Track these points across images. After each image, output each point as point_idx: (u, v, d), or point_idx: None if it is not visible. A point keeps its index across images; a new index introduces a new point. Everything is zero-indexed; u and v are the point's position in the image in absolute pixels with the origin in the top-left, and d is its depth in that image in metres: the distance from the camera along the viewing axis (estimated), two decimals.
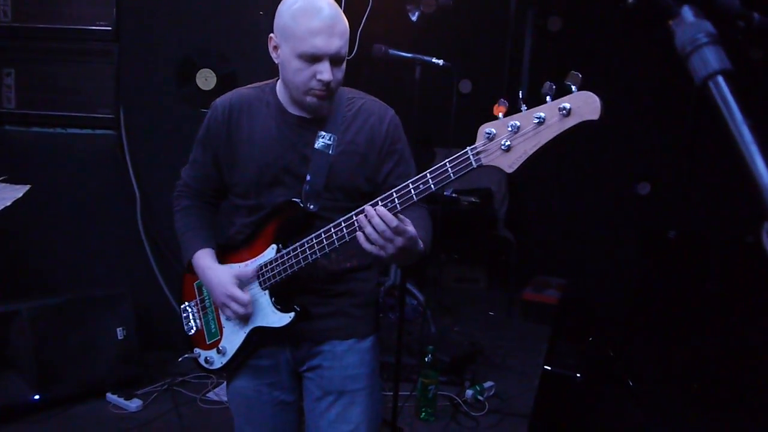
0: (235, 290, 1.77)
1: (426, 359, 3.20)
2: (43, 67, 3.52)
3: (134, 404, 3.14)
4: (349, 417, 1.84)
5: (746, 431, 3.91)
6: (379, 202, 1.52)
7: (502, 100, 1.42)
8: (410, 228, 1.54)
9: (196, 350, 1.98)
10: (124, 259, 3.63)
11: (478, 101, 5.35)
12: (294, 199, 1.74)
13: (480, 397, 3.36)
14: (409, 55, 2.86)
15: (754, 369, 4.43)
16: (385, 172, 1.79)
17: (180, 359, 3.18)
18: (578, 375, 3.72)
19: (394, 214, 1.52)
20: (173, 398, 3.26)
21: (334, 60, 1.64)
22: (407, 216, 1.66)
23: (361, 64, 3.66)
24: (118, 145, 3.53)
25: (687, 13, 0.60)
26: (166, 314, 3.62)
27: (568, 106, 1.33)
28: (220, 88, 3.47)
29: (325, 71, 1.63)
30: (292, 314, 1.75)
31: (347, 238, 1.60)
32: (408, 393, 3.31)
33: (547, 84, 1.34)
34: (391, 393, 2.86)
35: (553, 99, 1.35)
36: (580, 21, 5.26)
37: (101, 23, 3.45)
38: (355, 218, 1.57)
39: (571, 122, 1.34)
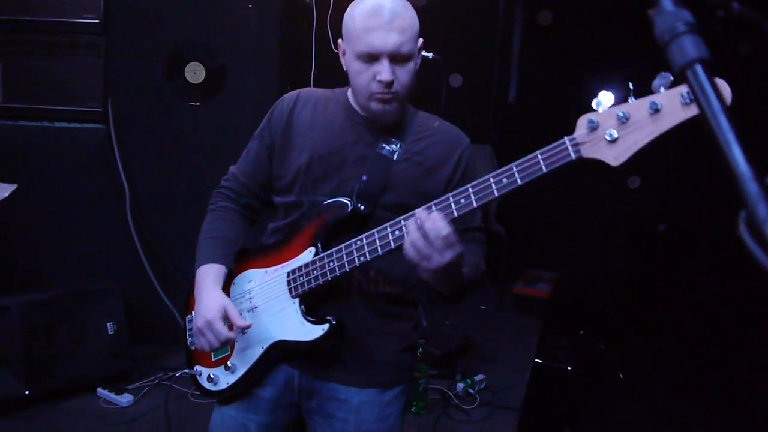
0: (217, 321, 1.60)
1: (417, 353, 3.20)
2: (31, 60, 3.48)
3: (125, 399, 3.12)
4: None
5: (735, 423, 3.94)
6: (433, 207, 1.38)
7: (603, 92, 1.30)
8: (459, 248, 1.38)
9: (197, 368, 1.79)
10: (114, 254, 3.61)
11: (468, 95, 5.37)
12: (343, 199, 1.59)
13: (471, 391, 3.36)
14: None
15: (742, 361, 4.46)
16: None
17: (178, 374, 3.17)
18: (569, 368, 3.74)
19: (466, 216, 1.39)
20: (165, 393, 3.25)
21: (395, 58, 1.55)
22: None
23: None
24: (106, 138, 3.51)
25: (666, 2, 0.60)
26: (156, 308, 3.62)
27: (688, 91, 1.16)
28: (209, 82, 3.46)
29: (383, 71, 1.54)
30: (326, 326, 1.55)
31: (393, 246, 1.45)
32: None
33: (663, 74, 1.21)
34: None
35: (667, 89, 1.22)
36: (570, 15, 5.26)
37: (89, 16, 3.42)
38: (403, 222, 1.43)
39: (692, 111, 1.19)
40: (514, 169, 1.32)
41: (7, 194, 2.54)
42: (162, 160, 3.53)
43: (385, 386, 1.69)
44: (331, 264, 1.53)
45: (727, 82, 1.03)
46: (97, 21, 3.43)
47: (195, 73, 3.48)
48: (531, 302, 4.63)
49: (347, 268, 1.51)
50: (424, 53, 2.90)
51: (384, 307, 1.66)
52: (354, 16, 1.58)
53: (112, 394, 3.13)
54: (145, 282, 3.60)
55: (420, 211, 1.37)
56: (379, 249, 1.46)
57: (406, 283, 1.68)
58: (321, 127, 1.68)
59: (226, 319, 1.62)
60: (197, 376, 1.78)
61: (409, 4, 1.61)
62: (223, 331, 1.60)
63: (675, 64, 0.59)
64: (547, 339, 4.17)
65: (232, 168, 1.86)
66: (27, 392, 3.00)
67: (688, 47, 0.58)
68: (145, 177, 3.56)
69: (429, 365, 3.26)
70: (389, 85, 1.56)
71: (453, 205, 1.37)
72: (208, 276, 1.69)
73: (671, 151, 4.91)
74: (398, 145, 1.64)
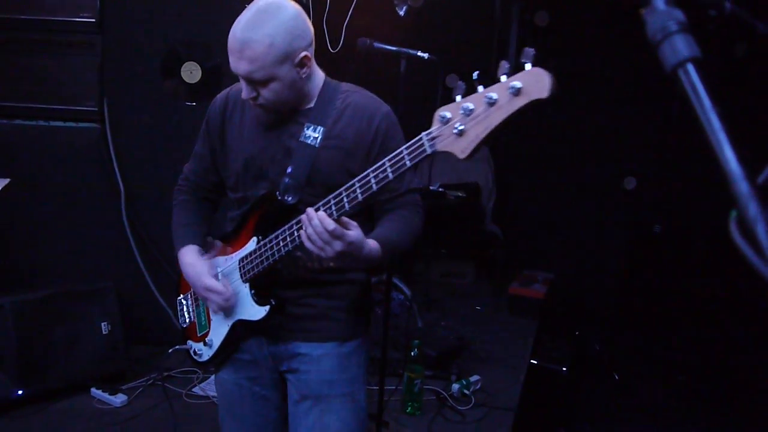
0: (211, 282, 1.79)
1: (412, 353, 3.21)
2: (26, 59, 3.47)
3: (119, 399, 3.12)
4: (326, 424, 1.81)
5: (732, 423, 3.95)
6: (343, 192, 1.51)
7: (459, 83, 1.34)
8: (352, 233, 1.52)
9: (189, 342, 2.00)
10: (109, 253, 3.60)
11: (465, 95, 5.37)
12: (273, 192, 1.74)
13: (466, 391, 3.37)
14: (394, 48, 2.84)
15: (739, 361, 4.47)
16: None
17: (170, 350, 3.18)
18: (564, 369, 3.74)
19: (356, 208, 1.51)
20: (161, 393, 3.24)
21: (251, 81, 1.64)
22: (388, 215, 1.67)
23: (346, 58, 3.65)
24: (102, 137, 3.50)
25: (658, 1, 0.60)
26: (151, 308, 3.61)
27: (518, 84, 1.23)
28: (205, 81, 3.46)
29: (243, 89, 1.67)
30: (267, 307, 1.74)
31: (298, 241, 1.61)
32: (394, 387, 3.31)
33: (503, 63, 1.26)
34: (377, 387, 2.86)
35: (462, 95, 1.31)
36: (567, 16, 5.27)
37: (85, 15, 3.41)
38: (297, 224, 1.58)
39: (520, 102, 1.24)
40: (387, 164, 1.43)
41: (0, 188, 2.53)
42: (157, 159, 3.52)
43: (342, 339, 1.83)
44: (267, 252, 1.69)
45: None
46: (93, 20, 3.42)
47: (191, 72, 3.48)
48: (526, 303, 4.63)
49: (283, 252, 1.66)
50: (419, 53, 2.92)
51: (330, 277, 1.79)
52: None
53: (106, 395, 3.13)
54: (139, 282, 3.60)
55: (308, 211, 1.52)
56: (297, 239, 1.61)
57: None
58: (249, 128, 1.80)
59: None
60: (189, 349, 2.00)
61: (269, 30, 1.60)
62: (221, 287, 1.78)
63: (667, 64, 0.59)
64: (542, 340, 4.17)
65: (185, 167, 2.02)
66: (20, 392, 2.99)
67: (680, 46, 0.58)
68: (141, 176, 3.55)
69: (424, 366, 3.26)
70: (253, 98, 1.67)
71: (358, 189, 1.49)
72: (187, 256, 1.87)
73: (667, 152, 4.92)
74: (318, 130, 1.73)
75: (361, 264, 1.61)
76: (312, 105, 1.77)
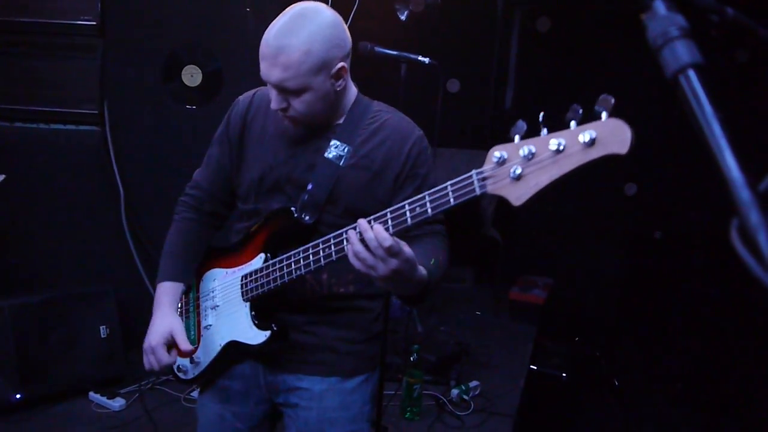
0: (159, 347, 1.67)
1: (411, 358, 3.20)
2: (27, 62, 3.47)
3: (117, 403, 3.11)
4: None
5: (730, 430, 3.94)
6: (372, 221, 1.38)
7: (520, 122, 1.23)
8: (407, 249, 1.37)
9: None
10: (108, 257, 3.59)
11: (466, 101, 5.37)
12: (290, 207, 1.63)
13: (465, 397, 3.35)
14: (395, 52, 2.85)
15: (738, 369, 4.45)
16: (401, 198, 1.55)
17: (193, 395, 3.14)
18: (564, 375, 3.73)
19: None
20: (159, 397, 3.23)
21: (283, 90, 1.53)
22: (416, 248, 1.49)
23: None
24: (102, 141, 3.50)
25: (659, 6, 0.59)
26: (149, 312, 3.56)
27: (593, 134, 1.12)
28: (206, 85, 3.46)
29: (272, 98, 1.56)
30: (268, 333, 1.62)
31: (334, 257, 1.48)
32: (393, 392, 3.30)
33: (574, 107, 1.15)
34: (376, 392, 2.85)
35: (579, 124, 1.15)
36: (568, 22, 5.27)
37: (86, 18, 3.41)
38: (345, 234, 1.44)
39: (594, 154, 1.13)
40: (426, 198, 1.33)
41: None
42: (157, 163, 3.52)
43: (346, 374, 1.72)
44: (275, 273, 1.59)
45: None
46: (94, 23, 3.42)
47: (192, 76, 3.48)
48: (526, 308, 4.62)
49: (294, 275, 1.55)
50: (420, 58, 2.92)
51: (340, 304, 1.69)
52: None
53: (104, 398, 3.12)
54: (138, 285, 3.58)
55: (361, 222, 1.38)
56: (321, 260, 1.49)
57: (360, 281, 1.68)
58: (271, 137, 1.69)
59: (172, 344, 1.70)
60: (171, 365, 1.84)
61: (306, 37, 1.50)
62: (164, 358, 1.67)
63: (668, 69, 0.58)
64: (542, 345, 4.16)
65: (195, 174, 1.89)
66: (19, 396, 2.98)
67: (681, 52, 0.57)
68: (141, 180, 3.55)
69: (423, 371, 3.25)
70: (283, 110, 1.57)
71: (390, 221, 1.38)
72: (166, 296, 1.75)
73: (668, 158, 4.92)
74: (345, 149, 1.63)
75: (413, 288, 1.46)
76: (341, 121, 1.67)
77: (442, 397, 3.36)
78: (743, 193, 0.51)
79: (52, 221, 3.56)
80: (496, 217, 5.26)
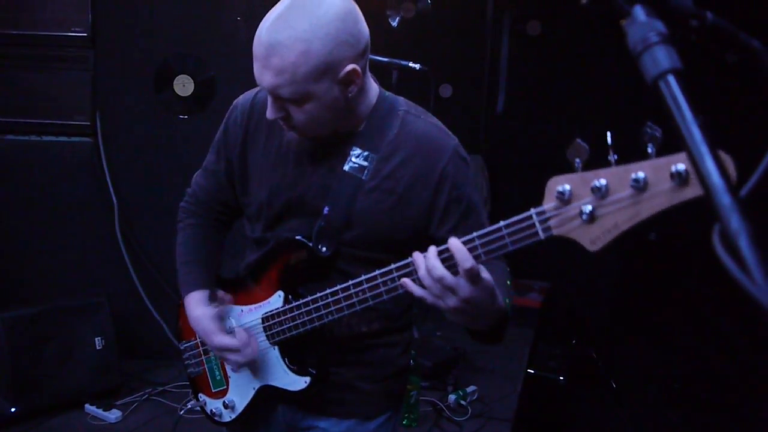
0: (225, 340, 1.48)
1: (407, 371, 3.18)
2: (18, 74, 3.47)
3: (113, 415, 3.09)
4: None
5: (727, 431, 3.94)
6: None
7: (579, 142, 1.03)
8: (486, 275, 1.16)
9: (201, 397, 1.72)
10: (102, 268, 3.58)
11: (458, 106, 5.38)
12: (299, 238, 1.42)
13: (463, 402, 3.35)
14: (386, 59, 2.86)
15: (735, 369, 4.46)
16: (447, 229, 1.38)
17: (189, 405, 3.11)
18: (561, 378, 3.74)
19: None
20: (156, 408, 3.22)
21: (279, 98, 1.30)
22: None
23: None
24: (94, 152, 3.49)
25: (639, 12, 0.60)
26: (145, 323, 3.59)
27: (684, 168, 0.91)
28: (198, 94, 3.46)
29: (269, 106, 1.33)
30: (308, 379, 1.47)
31: (371, 303, 1.29)
32: None
33: (649, 125, 0.96)
34: None
35: (657, 151, 0.95)
36: (559, 26, 5.29)
37: (77, 29, 3.41)
38: (411, 259, 1.22)
39: (689, 194, 0.92)
40: (477, 242, 1.14)
41: None
42: (151, 173, 3.51)
43: (365, 416, 1.57)
44: (304, 316, 1.40)
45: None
46: (86, 35, 3.42)
47: (184, 85, 3.47)
48: (522, 312, 4.61)
49: (326, 320, 1.37)
50: (410, 64, 2.93)
51: (363, 343, 1.53)
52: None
53: (100, 410, 3.10)
54: (133, 296, 3.57)
55: (432, 247, 1.20)
56: (357, 304, 1.31)
57: (391, 315, 1.53)
58: (277, 150, 1.47)
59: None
60: (203, 406, 1.73)
61: (304, 33, 1.23)
62: (233, 341, 1.49)
63: (648, 75, 0.59)
64: (538, 349, 4.16)
65: (193, 181, 1.73)
66: (13, 409, 2.96)
67: (661, 58, 0.58)
68: (134, 190, 3.54)
69: (420, 377, 3.24)
70: (283, 119, 1.34)
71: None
72: (192, 306, 1.58)
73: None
74: (368, 158, 1.38)
75: (489, 320, 1.24)
76: (361, 128, 1.42)
77: (439, 403, 3.35)
78: (724, 198, 0.51)
79: (46, 233, 3.54)
80: (492, 222, 5.26)
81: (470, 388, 3.44)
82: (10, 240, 3.54)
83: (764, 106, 4.24)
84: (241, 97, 1.57)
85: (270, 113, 1.33)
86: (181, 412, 3.11)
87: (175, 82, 3.46)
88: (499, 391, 3.54)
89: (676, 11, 0.63)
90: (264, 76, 1.27)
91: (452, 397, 3.35)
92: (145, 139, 3.52)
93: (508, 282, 1.36)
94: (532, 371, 3.79)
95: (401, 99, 1.49)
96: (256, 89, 1.54)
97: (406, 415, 3.17)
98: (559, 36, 5.28)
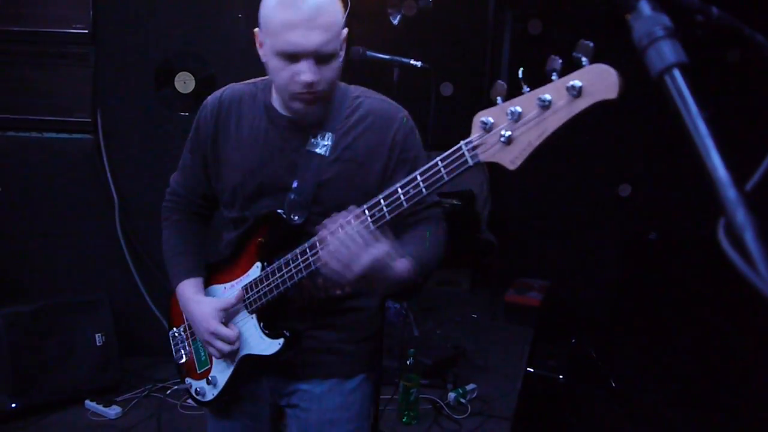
0: (218, 326, 1.61)
1: (408, 362, 3.19)
2: (19, 71, 3.47)
3: (113, 411, 3.10)
4: None
5: (728, 430, 3.94)
6: (366, 210, 1.36)
7: (499, 82, 1.18)
8: (380, 244, 1.35)
9: (187, 380, 1.83)
10: (103, 264, 3.59)
11: (459, 104, 5.38)
12: (277, 210, 1.56)
13: (462, 400, 3.35)
14: (387, 57, 2.86)
15: (734, 368, 4.46)
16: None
17: (169, 391, 3.14)
18: (561, 376, 3.73)
19: (381, 225, 1.35)
20: (156, 405, 3.22)
21: (319, 58, 1.42)
22: (412, 230, 1.52)
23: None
24: (95, 148, 3.49)
25: (644, 6, 0.60)
26: (145, 319, 3.59)
27: (578, 83, 1.08)
28: (199, 91, 3.45)
29: (305, 71, 1.42)
30: (281, 341, 1.58)
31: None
32: (389, 396, 3.30)
33: (553, 58, 1.11)
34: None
35: (560, 76, 1.11)
36: (560, 24, 5.29)
37: (78, 26, 3.41)
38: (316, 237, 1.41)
39: (582, 104, 1.08)
40: (419, 178, 1.29)
41: None
42: (151, 170, 3.51)
43: (345, 376, 1.70)
44: (277, 280, 1.54)
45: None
46: (86, 31, 3.42)
47: (184, 82, 3.47)
48: (522, 311, 4.62)
49: (294, 280, 1.51)
50: (412, 62, 2.93)
51: (338, 306, 1.66)
52: (273, 6, 1.42)
53: (100, 407, 3.11)
54: (134, 293, 3.58)
55: (326, 222, 1.38)
56: (312, 264, 1.46)
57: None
58: (246, 139, 1.61)
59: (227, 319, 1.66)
60: (189, 389, 1.82)
61: None
62: (230, 332, 1.62)
63: (653, 69, 0.58)
64: (538, 347, 4.16)
65: (172, 179, 1.84)
66: (14, 405, 2.97)
67: (666, 52, 0.58)
68: (135, 187, 3.54)
69: (420, 375, 3.24)
70: (312, 85, 1.44)
71: (385, 207, 1.36)
72: (189, 291, 1.71)
73: (662, 158, 4.93)
74: (328, 137, 1.55)
75: (390, 286, 1.44)
76: (321, 113, 1.57)
77: (439, 401, 3.35)
78: (729, 192, 0.51)
79: (47, 229, 3.54)
80: (492, 221, 5.26)
81: (470, 386, 3.44)
82: (11, 236, 3.54)
83: (765, 105, 4.24)
84: (209, 97, 1.69)
85: (310, 76, 1.42)
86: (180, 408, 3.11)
87: (175, 79, 3.47)
88: (499, 389, 3.54)
89: (682, 6, 0.63)
90: (311, 36, 1.38)
91: (452, 395, 3.35)
92: (145, 136, 3.52)
93: (428, 243, 1.55)
94: (532, 370, 3.79)
95: (353, 86, 1.65)
96: (221, 89, 1.69)
97: (406, 412, 3.17)
98: (561, 35, 5.27)
